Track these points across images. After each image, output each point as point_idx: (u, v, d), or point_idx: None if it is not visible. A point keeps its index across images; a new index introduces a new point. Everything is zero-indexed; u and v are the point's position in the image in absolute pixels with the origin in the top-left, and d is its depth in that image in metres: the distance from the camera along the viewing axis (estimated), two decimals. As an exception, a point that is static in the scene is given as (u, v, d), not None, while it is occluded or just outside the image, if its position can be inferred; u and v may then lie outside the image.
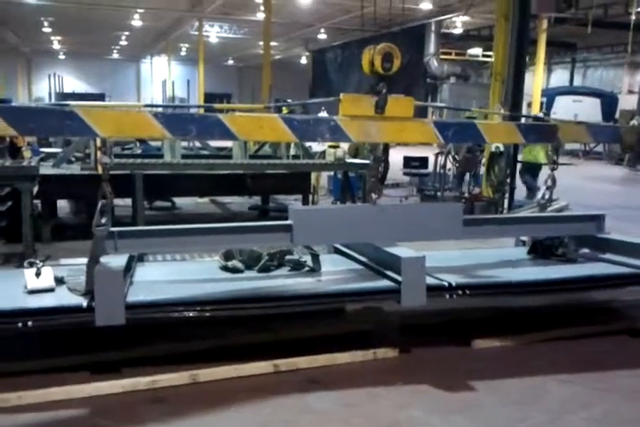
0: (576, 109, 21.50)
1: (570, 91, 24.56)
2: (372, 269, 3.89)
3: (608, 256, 4.35)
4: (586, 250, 4.56)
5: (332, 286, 3.65)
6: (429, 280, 3.56)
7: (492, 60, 9.38)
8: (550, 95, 23.64)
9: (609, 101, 23.67)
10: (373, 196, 4.04)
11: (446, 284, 3.55)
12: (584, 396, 3.29)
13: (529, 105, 23.10)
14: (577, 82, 29.19)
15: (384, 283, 3.55)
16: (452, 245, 5.60)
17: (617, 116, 22.91)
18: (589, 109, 22.30)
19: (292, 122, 3.47)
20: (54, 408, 2.98)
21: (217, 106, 3.64)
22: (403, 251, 3.58)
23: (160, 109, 3.60)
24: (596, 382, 3.44)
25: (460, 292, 3.53)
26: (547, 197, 4.76)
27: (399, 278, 3.43)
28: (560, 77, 30.67)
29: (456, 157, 9.21)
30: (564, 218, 4.46)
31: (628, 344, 4.06)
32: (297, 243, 3.81)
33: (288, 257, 4.11)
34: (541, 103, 21.98)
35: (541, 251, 4.58)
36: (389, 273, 3.59)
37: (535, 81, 22.09)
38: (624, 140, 5.13)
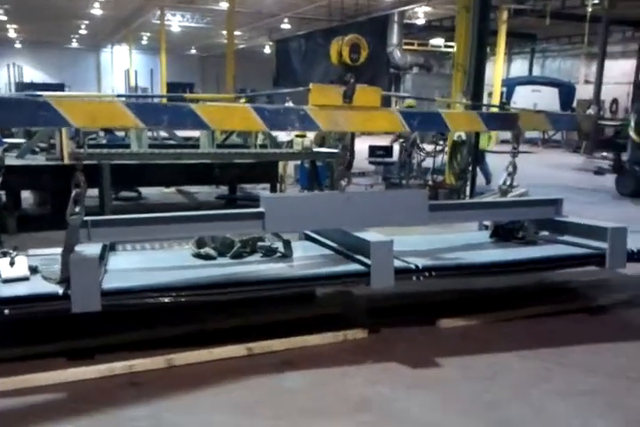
0: (535, 99, 21.94)
1: (529, 81, 25.04)
2: (341, 253, 4.01)
3: (566, 238, 4.56)
4: (545, 233, 4.77)
5: (303, 270, 3.76)
6: (397, 263, 3.70)
7: (454, 50, 9.56)
8: (510, 85, 24.09)
9: (567, 91, 24.24)
10: (342, 183, 4.16)
11: (413, 266, 3.70)
12: (542, 370, 3.48)
13: (490, 95, 23.53)
14: (536, 72, 29.79)
15: (354, 266, 3.68)
16: (419, 230, 5.77)
17: (574, 105, 23.51)
18: (548, 99, 22.78)
19: (263, 111, 3.55)
20: (33, 393, 3.04)
21: (186, 96, 3.70)
22: (371, 235, 3.71)
23: (133, 100, 3.63)
24: (554, 358, 3.64)
25: (427, 274, 3.68)
26: (508, 182, 4.97)
27: (368, 262, 3.56)
28: (520, 67, 31.25)
29: (421, 145, 9.40)
30: (525, 203, 4.66)
31: (585, 322, 4.28)
32: (268, 230, 3.91)
33: (260, 244, 4.20)
34: (502, 93, 22.39)
35: (503, 234, 4.77)
36: (359, 257, 3.71)
37: (496, 71, 22.50)
38: (581, 128, 5.36)
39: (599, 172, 13.06)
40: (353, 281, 3.64)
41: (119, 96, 3.29)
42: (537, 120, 5.00)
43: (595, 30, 20.61)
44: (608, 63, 21.42)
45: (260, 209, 3.83)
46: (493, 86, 22.54)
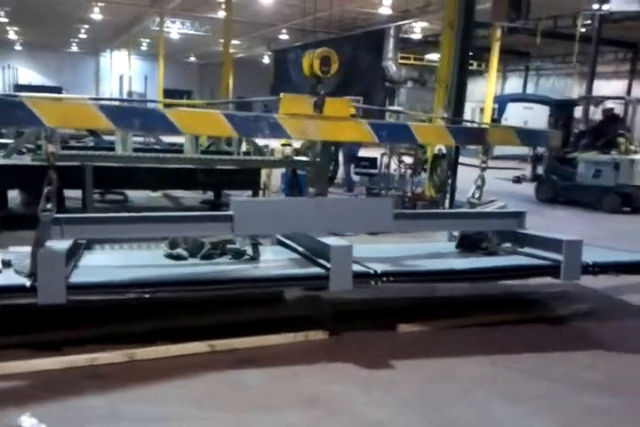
0: (526, 116, 22.27)
1: (521, 98, 25.31)
2: (307, 257, 4.15)
3: (527, 250, 4.70)
4: (508, 244, 4.92)
5: (266, 271, 3.91)
6: (357, 268, 3.84)
7: (438, 66, 9.78)
8: (502, 102, 24.32)
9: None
10: (311, 190, 4.31)
11: (372, 271, 3.84)
12: (492, 375, 3.62)
13: (481, 111, 23.84)
14: (530, 89, 30.20)
15: (315, 270, 3.83)
16: (392, 240, 5.94)
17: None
18: (539, 116, 23.05)
19: (233, 118, 3.70)
20: (-4, 382, 3.15)
21: (163, 101, 3.85)
22: (333, 240, 3.85)
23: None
24: (505, 363, 3.78)
25: (385, 278, 3.82)
26: (477, 195, 5.12)
27: (328, 265, 3.70)
28: (515, 85, 31.67)
29: (401, 158, 9.59)
30: (489, 214, 4.81)
31: (542, 331, 4.41)
32: (237, 232, 4.05)
33: (229, 246, 4.34)
34: (493, 109, 22.67)
35: (468, 245, 4.92)
36: (321, 261, 3.86)
37: (488, 87, 22.81)
38: (550, 143, 5.55)
39: (517, 180, 15.25)
40: (312, 284, 3.79)
41: (92, 99, 3.43)
42: (505, 135, 5.16)
43: (587, 50, 20.98)
44: (600, 83, 21.79)
45: (230, 212, 3.97)
46: (485, 102, 22.85)
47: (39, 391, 3.10)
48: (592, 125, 12.35)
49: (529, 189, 12.09)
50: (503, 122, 21.13)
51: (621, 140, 11.27)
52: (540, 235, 4.61)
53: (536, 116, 22.84)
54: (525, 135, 5.16)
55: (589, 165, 11.24)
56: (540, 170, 12.86)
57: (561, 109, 13.32)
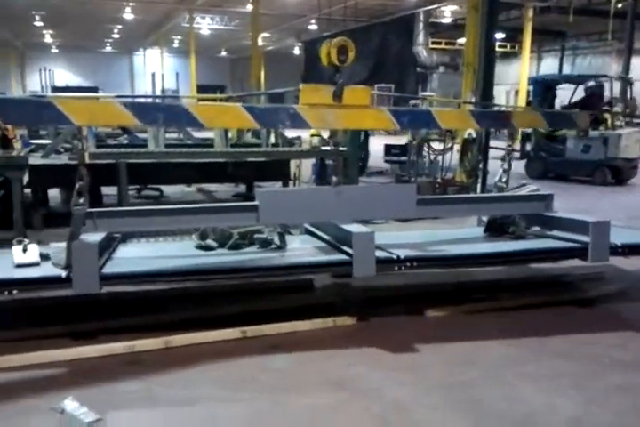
0: (562, 97, 21.71)
1: (552, 79, 24.73)
2: (332, 245, 4.23)
3: (555, 233, 4.67)
4: (536, 228, 4.89)
5: (291, 259, 4.00)
6: (381, 254, 3.89)
7: (464, 49, 9.68)
8: (537, 83, 23.85)
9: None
10: (334, 178, 4.37)
11: (395, 256, 3.89)
12: (519, 356, 3.64)
13: (516, 93, 23.41)
14: (566, 70, 29.41)
15: (338, 256, 3.90)
16: (420, 227, 5.97)
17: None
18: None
19: (254, 110, 3.79)
20: (40, 369, 3.33)
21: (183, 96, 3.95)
22: (355, 227, 3.92)
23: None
24: (533, 345, 3.80)
25: (408, 264, 3.86)
26: (504, 179, 5.09)
27: (351, 252, 3.77)
28: (550, 65, 30.88)
29: (430, 144, 9.54)
30: (514, 198, 4.79)
31: (572, 313, 4.41)
32: (262, 222, 4.14)
33: (257, 236, 4.45)
34: (528, 91, 22.22)
35: (495, 229, 4.91)
36: (344, 248, 3.93)
37: (522, 69, 22.39)
38: (578, 125, 5.45)
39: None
40: (336, 270, 3.86)
41: (117, 97, 3.56)
42: (531, 118, 5.13)
43: (624, 26, 20.33)
44: (638, 60, 21.09)
45: (255, 202, 4.07)
46: (519, 85, 22.45)
47: (79, 377, 3.27)
48: (574, 102, 12.81)
49: (519, 166, 12.35)
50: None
51: (607, 115, 11.95)
52: (567, 217, 4.57)
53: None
54: (552, 117, 5.13)
55: (578, 141, 11.86)
56: (528, 147, 13.30)
57: (543, 87, 13.90)
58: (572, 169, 12.26)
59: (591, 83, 12.49)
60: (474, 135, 8.38)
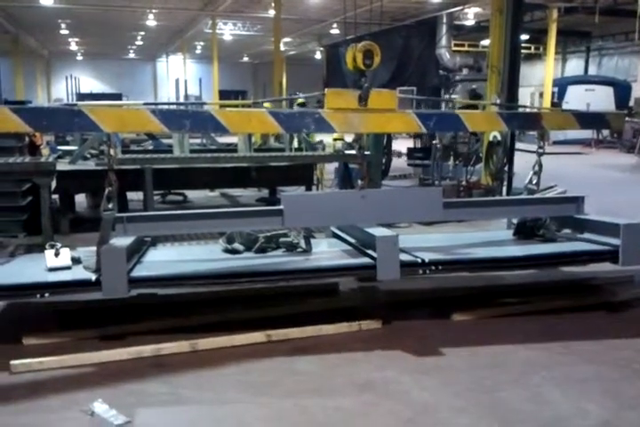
0: (588, 98, 21.46)
1: (582, 80, 24.47)
2: (357, 249, 4.23)
3: (586, 236, 4.61)
4: (567, 230, 4.82)
5: (316, 263, 4.01)
6: (405, 257, 3.89)
7: (489, 52, 9.62)
8: (562, 85, 23.63)
9: (622, 90, 23.57)
10: (359, 182, 4.38)
11: (419, 260, 3.87)
12: (546, 360, 3.60)
13: (541, 95, 23.16)
14: (592, 71, 29.03)
15: (363, 260, 3.91)
16: (447, 230, 5.94)
17: (631, 104, 22.83)
18: (602, 98, 22.22)
19: (279, 115, 3.82)
20: (72, 370, 3.40)
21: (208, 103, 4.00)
22: (379, 231, 3.92)
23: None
24: (560, 349, 3.74)
25: (434, 267, 3.84)
26: (534, 181, 5.03)
27: (375, 255, 3.77)
28: (575, 67, 30.51)
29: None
30: (543, 200, 4.74)
31: (601, 317, 4.34)
32: (287, 225, 4.17)
33: (282, 239, 4.48)
34: (553, 93, 22.00)
35: (525, 232, 4.84)
36: (369, 251, 3.93)
37: (546, 71, 22.15)
38: (612, 126, 5.33)
39: None
40: (361, 274, 3.86)
41: (145, 104, 3.61)
42: (563, 119, 5.02)
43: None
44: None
45: (280, 206, 4.09)
46: (544, 86, 22.21)
47: (108, 380, 3.31)
48: None
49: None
50: (564, 106, 20.52)
51: None
52: (598, 219, 4.51)
53: (599, 98, 22.06)
54: (585, 118, 4.95)
55: None
56: None
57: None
58: None
59: None
60: (499, 138, 8.32)
